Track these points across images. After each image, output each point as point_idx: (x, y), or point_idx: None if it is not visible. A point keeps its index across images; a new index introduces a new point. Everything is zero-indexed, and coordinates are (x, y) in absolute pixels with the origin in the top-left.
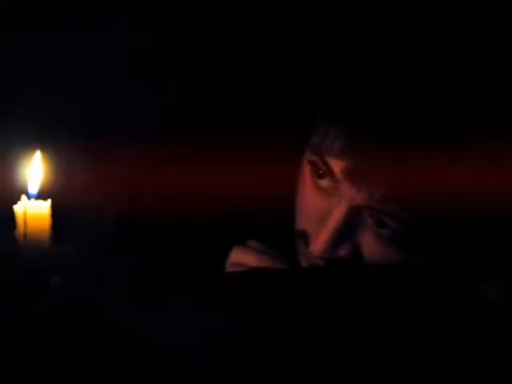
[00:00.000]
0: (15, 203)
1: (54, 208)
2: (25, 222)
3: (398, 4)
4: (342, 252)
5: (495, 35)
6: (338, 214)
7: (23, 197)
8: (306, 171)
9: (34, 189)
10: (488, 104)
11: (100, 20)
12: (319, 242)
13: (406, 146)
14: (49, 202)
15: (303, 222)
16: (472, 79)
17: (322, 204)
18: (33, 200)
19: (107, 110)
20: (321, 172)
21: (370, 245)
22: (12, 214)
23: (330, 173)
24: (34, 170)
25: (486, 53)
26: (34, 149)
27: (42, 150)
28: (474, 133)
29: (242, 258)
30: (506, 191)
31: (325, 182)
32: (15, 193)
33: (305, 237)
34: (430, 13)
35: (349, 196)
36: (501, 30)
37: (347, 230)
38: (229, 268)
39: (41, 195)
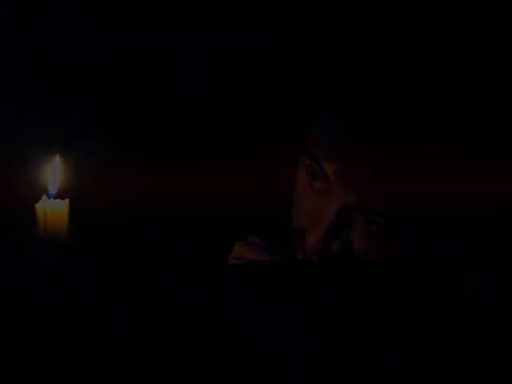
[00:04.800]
0: (37, 202)
1: (71, 206)
2: (45, 218)
3: (387, 13)
4: (335, 247)
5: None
6: (331, 212)
7: (44, 196)
8: (303, 173)
9: (53, 189)
10: (466, 115)
11: (112, 32)
12: (314, 238)
13: (391, 151)
14: (67, 201)
15: (299, 219)
16: (455, 88)
17: (317, 203)
18: (52, 199)
19: (116, 122)
20: (315, 174)
21: (360, 240)
22: (34, 211)
23: (323, 175)
24: (54, 172)
25: (470, 62)
26: (53, 154)
27: (61, 155)
28: (455, 137)
29: (243, 252)
30: (484, 190)
31: (319, 183)
32: (37, 193)
33: (301, 233)
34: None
35: (341, 196)
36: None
37: (339, 227)
38: (231, 261)
39: (59, 195)
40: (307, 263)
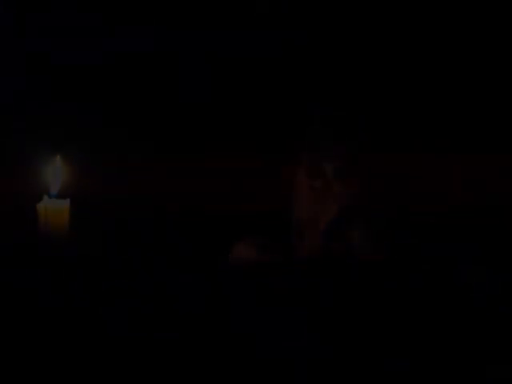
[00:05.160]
0: (38, 202)
1: (72, 206)
2: (46, 217)
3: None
4: (335, 247)
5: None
6: (331, 212)
7: (45, 196)
8: (303, 173)
9: (54, 189)
10: (465, 119)
11: (112, 32)
12: (314, 238)
13: (390, 151)
14: (68, 200)
15: (299, 219)
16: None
17: (317, 203)
18: (53, 199)
19: (116, 122)
20: (315, 174)
21: (360, 240)
22: (35, 210)
23: (323, 175)
24: (55, 172)
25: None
26: (53, 154)
27: (61, 155)
28: (455, 138)
29: (243, 252)
30: (484, 190)
31: (319, 183)
32: (38, 193)
33: (301, 233)
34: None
35: (341, 196)
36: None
37: (339, 227)
38: (231, 261)
39: (60, 194)
40: (307, 263)
